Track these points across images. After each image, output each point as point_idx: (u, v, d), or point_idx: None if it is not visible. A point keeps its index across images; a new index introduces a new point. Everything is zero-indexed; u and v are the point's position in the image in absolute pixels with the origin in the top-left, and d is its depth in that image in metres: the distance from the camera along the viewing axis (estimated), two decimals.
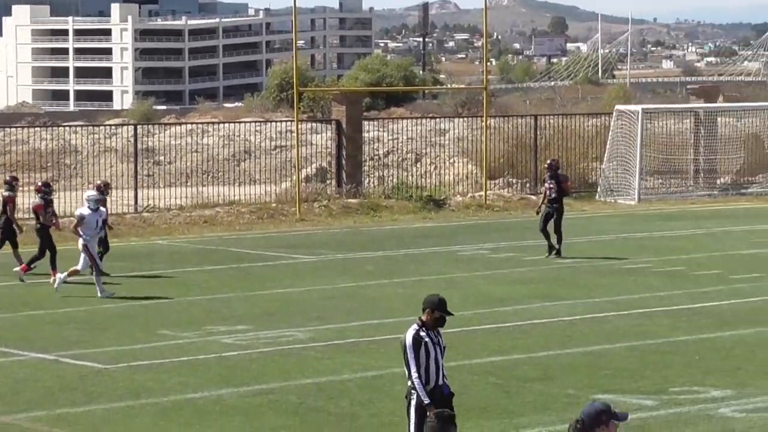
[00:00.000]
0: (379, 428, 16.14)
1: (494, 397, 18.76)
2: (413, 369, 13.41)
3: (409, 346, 13.56)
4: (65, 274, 26.91)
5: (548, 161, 36.29)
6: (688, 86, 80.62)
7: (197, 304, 26.72)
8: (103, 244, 29.53)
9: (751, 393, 18.65)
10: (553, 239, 32.26)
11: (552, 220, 33.33)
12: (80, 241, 28.14)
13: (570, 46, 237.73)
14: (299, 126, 45.08)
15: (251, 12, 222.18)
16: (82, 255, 27.01)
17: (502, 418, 17.46)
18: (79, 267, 27.08)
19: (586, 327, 24.51)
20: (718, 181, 52.70)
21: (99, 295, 27.28)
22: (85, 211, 29.08)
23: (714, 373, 20.05)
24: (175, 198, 42.61)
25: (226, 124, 60.23)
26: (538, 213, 33.33)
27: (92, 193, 30.18)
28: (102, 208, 29.82)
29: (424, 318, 13.75)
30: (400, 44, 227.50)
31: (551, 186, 34.30)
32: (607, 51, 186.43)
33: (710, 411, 17.78)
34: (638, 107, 51.09)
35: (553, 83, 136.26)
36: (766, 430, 16.61)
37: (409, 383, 13.33)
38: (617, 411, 9.45)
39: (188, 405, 17.80)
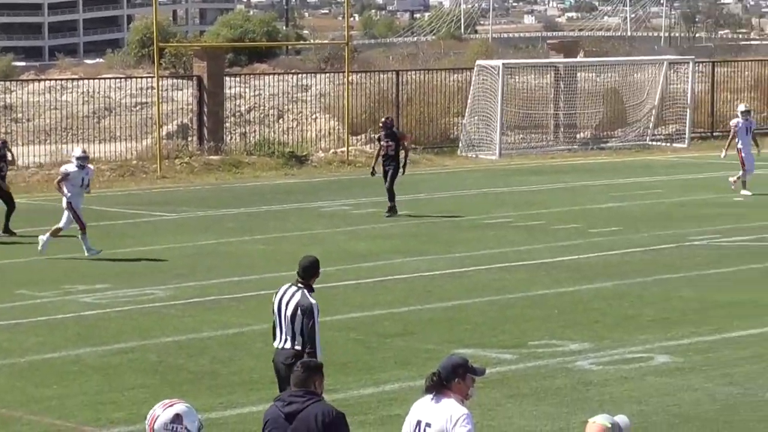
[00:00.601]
0: (239, 386, 16.29)
1: (355, 352, 19.09)
2: (318, 336, 13.51)
3: (317, 313, 13.61)
4: (48, 234, 26.78)
5: (383, 119, 36.27)
6: (548, 41, 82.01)
7: (56, 263, 26.56)
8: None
9: (608, 345, 19.36)
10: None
11: (389, 176, 33.69)
12: (64, 199, 28.03)
13: (432, 1, 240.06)
14: (160, 82, 44.87)
15: None
16: (66, 212, 26.92)
17: (362, 373, 17.72)
18: (61, 224, 26.94)
19: (446, 282, 24.95)
20: (577, 136, 53.72)
21: (86, 254, 27.14)
22: (71, 167, 28.99)
23: (572, 326, 20.66)
24: (35, 156, 42.29)
25: (87, 81, 58.72)
26: (373, 174, 33.70)
27: (78, 150, 30.19)
28: (90, 166, 29.89)
29: (311, 283, 13.81)
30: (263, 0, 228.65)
31: (388, 144, 34.55)
32: (469, 6, 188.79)
33: (568, 364, 18.36)
34: (499, 62, 51.57)
35: (416, 38, 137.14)
36: (622, 382, 17.02)
37: (301, 348, 13.31)
38: (475, 365, 9.66)
39: (46, 365, 17.81)
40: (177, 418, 8.44)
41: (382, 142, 34.92)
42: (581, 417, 9.61)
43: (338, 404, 14.81)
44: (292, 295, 13.79)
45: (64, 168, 29.93)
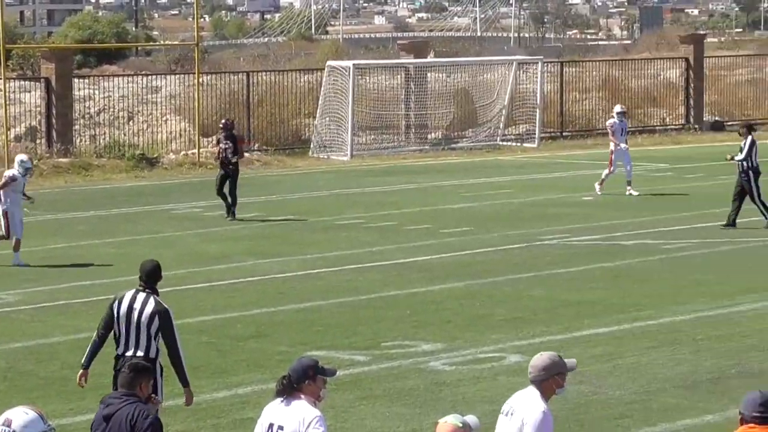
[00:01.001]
0: (89, 391, 15.70)
1: (206, 356, 19.06)
2: (179, 340, 13.49)
3: (173, 317, 13.57)
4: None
5: (222, 120, 36.56)
6: (398, 42, 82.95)
7: None
8: None
9: (461, 346, 19.68)
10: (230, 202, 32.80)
11: (228, 181, 33.64)
12: (1, 207, 27.32)
13: (283, 2, 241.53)
14: (7, 84, 44.38)
15: None
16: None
17: (214, 377, 17.71)
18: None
19: (299, 284, 25.03)
20: (429, 136, 54.26)
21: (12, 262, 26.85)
22: (16, 172, 28.12)
23: (425, 326, 20.89)
24: None
25: None
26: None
27: (24, 156, 29.21)
28: (28, 176, 29.54)
29: (156, 288, 13.68)
30: (112, 0, 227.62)
31: (227, 146, 34.43)
32: (320, 7, 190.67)
33: (421, 364, 18.57)
34: (349, 63, 52.18)
35: (266, 39, 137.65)
36: (474, 381, 17.27)
37: (154, 356, 13.29)
38: (326, 366, 9.80)
39: None
40: (6, 422, 8.20)
41: (221, 144, 34.83)
42: (434, 417, 9.85)
43: (190, 409, 15.57)
44: (143, 302, 13.50)
45: (10, 173, 28.80)
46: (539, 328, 20.78)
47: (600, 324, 21.38)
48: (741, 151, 32.07)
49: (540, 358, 9.99)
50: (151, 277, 13.68)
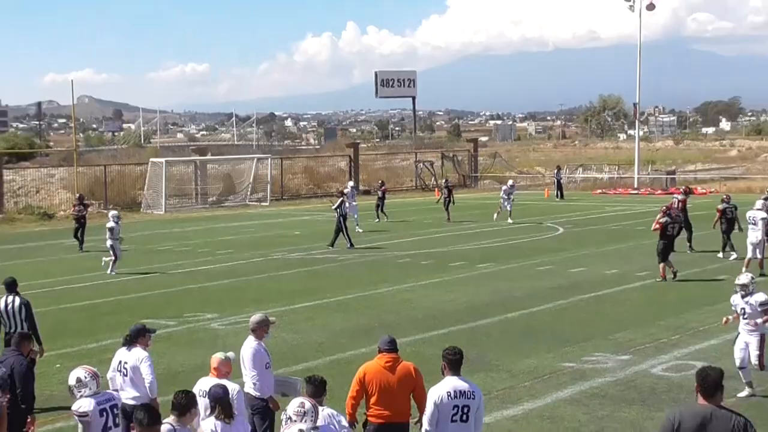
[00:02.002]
0: None
1: (81, 325, 21.48)
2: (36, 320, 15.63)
3: (32, 306, 15.74)
4: None
5: (78, 194, 40.22)
6: (191, 147, 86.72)
7: None
8: None
9: (227, 315, 22.35)
10: None
11: (80, 228, 37.02)
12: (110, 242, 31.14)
13: (125, 125, 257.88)
14: None
15: None
16: None
17: (86, 337, 20.39)
18: None
19: (138, 282, 26.91)
20: (208, 200, 61.79)
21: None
22: (112, 223, 31.38)
23: (207, 304, 23.29)
24: None
25: None
26: None
27: (114, 212, 33.44)
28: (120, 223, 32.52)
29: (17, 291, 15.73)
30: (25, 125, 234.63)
31: (80, 209, 37.64)
32: (146, 128, 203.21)
33: (206, 326, 21.61)
34: (163, 159, 58.79)
35: (116, 147, 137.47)
36: (234, 334, 18.25)
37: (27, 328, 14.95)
38: (149, 327, 12.61)
39: None
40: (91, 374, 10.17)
41: (76, 207, 37.48)
42: (213, 353, 11.41)
43: (68, 354, 18.52)
44: (13, 300, 15.59)
45: (111, 223, 31.56)
46: (270, 307, 22.46)
47: (304, 300, 24.35)
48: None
49: (256, 316, 12.74)
50: (13, 285, 15.76)
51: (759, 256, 28.16)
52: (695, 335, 20.16)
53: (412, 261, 32.81)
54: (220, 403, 9.81)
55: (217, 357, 11.13)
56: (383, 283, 28.21)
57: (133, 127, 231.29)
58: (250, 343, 12.40)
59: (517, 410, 15.01)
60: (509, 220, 44.50)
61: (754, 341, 15.13)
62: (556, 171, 67.19)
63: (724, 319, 16.04)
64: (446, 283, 28.14)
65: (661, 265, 27.45)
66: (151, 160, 61.87)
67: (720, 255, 31.62)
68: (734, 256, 30.70)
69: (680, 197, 34.17)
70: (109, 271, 30.84)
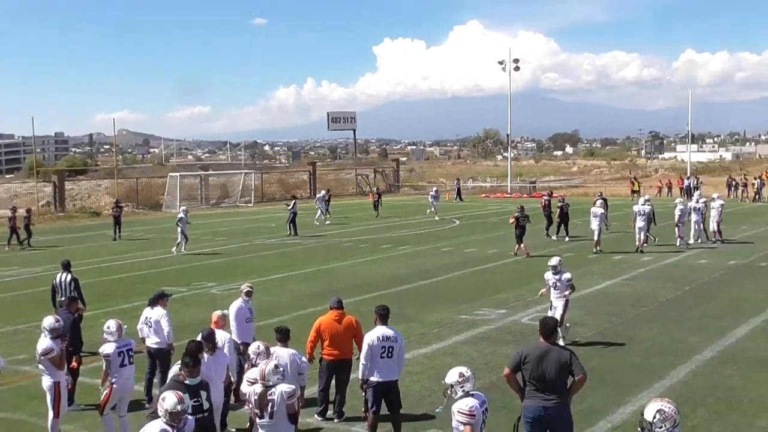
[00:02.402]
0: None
1: (117, 292, 21.15)
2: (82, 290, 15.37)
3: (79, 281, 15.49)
4: None
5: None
6: (199, 165, 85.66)
7: None
8: None
9: (193, 288, 22.14)
10: None
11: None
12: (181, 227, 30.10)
13: (152, 150, 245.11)
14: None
15: None
16: None
17: (124, 299, 20.11)
18: None
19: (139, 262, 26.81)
20: (210, 202, 59.62)
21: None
22: (183, 215, 30.29)
23: (194, 278, 23.83)
24: None
25: None
26: None
27: (184, 206, 33.78)
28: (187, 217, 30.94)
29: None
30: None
31: None
32: (166, 152, 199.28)
33: (207, 291, 21.43)
34: (177, 174, 56.18)
35: (145, 165, 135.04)
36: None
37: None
38: (167, 292, 12.52)
39: None
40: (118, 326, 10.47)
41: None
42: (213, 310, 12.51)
43: (105, 313, 18.27)
44: (65, 276, 15.28)
45: (181, 214, 30.53)
46: (253, 277, 22.24)
47: (277, 273, 24.13)
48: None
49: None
50: (67, 266, 15.46)
51: (596, 238, 28.52)
52: None
53: (354, 245, 32.64)
54: (207, 339, 9.85)
55: (216, 313, 11.21)
56: (334, 260, 28.06)
57: (157, 151, 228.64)
58: (236, 303, 12.43)
59: (428, 349, 15.08)
60: (436, 218, 43.42)
61: (560, 305, 15.13)
62: (456, 181, 68.30)
63: (540, 292, 15.95)
64: (378, 260, 28.07)
65: (516, 246, 28.06)
66: (169, 174, 61.38)
67: (554, 237, 32.46)
68: (554, 238, 32.13)
69: (546, 198, 35.00)
70: (174, 251, 30.37)
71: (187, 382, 8.06)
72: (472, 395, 7.70)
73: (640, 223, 28.36)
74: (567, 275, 15.27)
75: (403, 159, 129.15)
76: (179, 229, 30.71)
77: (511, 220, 28.50)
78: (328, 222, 41.98)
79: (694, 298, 19.53)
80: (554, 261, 15.47)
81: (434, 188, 50.13)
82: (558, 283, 15.24)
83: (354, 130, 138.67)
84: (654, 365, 13.63)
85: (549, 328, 8.68)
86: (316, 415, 11.38)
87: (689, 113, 70.40)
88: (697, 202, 31.43)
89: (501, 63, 71.10)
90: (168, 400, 7.12)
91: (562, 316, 14.87)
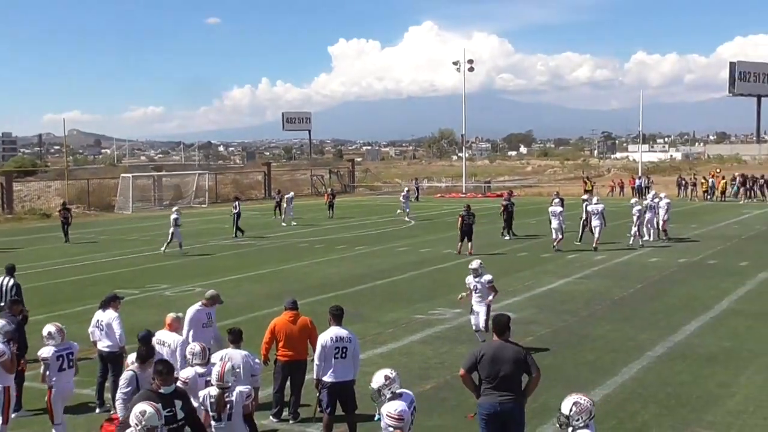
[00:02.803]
0: None
1: (68, 294, 20.94)
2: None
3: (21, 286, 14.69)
4: None
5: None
6: (152, 166, 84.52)
7: None
8: None
9: (149, 288, 22.12)
10: None
11: None
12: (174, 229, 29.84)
13: (103, 151, 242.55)
14: None
15: None
16: None
17: (74, 303, 19.90)
18: None
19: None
20: (163, 204, 59.51)
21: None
22: (176, 216, 30.46)
23: (164, 278, 23.79)
24: None
25: None
26: None
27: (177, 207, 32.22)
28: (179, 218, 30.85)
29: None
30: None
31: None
32: (118, 152, 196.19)
33: (161, 293, 21.30)
34: (129, 174, 55.51)
35: (96, 166, 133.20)
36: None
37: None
38: (119, 294, 12.37)
39: None
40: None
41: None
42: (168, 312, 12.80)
43: (55, 317, 18.06)
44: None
45: (175, 216, 30.33)
46: (208, 279, 22.70)
47: (232, 274, 24.09)
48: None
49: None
50: (11, 270, 14.86)
51: (561, 236, 28.99)
52: (505, 294, 20.35)
53: (310, 245, 32.61)
54: (142, 341, 10.00)
55: (170, 315, 11.12)
56: (289, 261, 28.00)
57: (109, 151, 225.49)
58: (193, 307, 12.09)
59: (384, 349, 15.11)
60: (406, 218, 42.87)
61: (482, 310, 14.73)
62: (414, 181, 68.74)
63: (459, 296, 15.57)
64: (333, 260, 28.07)
65: (459, 244, 28.66)
66: (122, 175, 60.70)
67: (507, 237, 32.64)
68: (507, 237, 32.38)
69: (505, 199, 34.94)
70: (163, 250, 30.26)
71: (161, 390, 7.76)
72: (400, 395, 7.64)
73: (595, 222, 28.81)
74: (488, 277, 14.90)
75: (359, 159, 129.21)
76: (171, 230, 30.35)
77: (458, 219, 29.02)
78: (285, 224, 41.64)
79: (646, 296, 19.82)
80: (475, 264, 15.06)
81: (405, 189, 49.40)
82: (479, 286, 14.80)
83: (309, 131, 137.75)
84: (606, 362, 13.80)
85: (502, 325, 8.69)
86: (271, 417, 11.35)
87: (640, 114, 71.28)
88: (653, 200, 31.80)
89: (456, 64, 71.52)
90: (146, 414, 6.82)
91: (486, 321, 14.39)
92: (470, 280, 14.96)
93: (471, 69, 71.10)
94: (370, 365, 13.87)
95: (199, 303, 12.09)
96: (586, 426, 6.70)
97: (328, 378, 10.21)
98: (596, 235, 28.71)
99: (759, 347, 14.68)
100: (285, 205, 42.96)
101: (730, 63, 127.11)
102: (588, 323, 16.90)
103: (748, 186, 55.02)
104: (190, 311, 12.04)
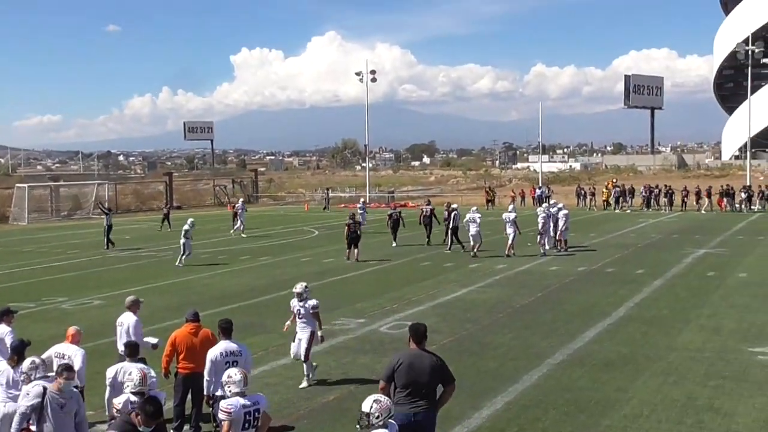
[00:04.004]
0: None
1: None
2: None
3: None
4: None
5: None
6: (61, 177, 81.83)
7: None
8: None
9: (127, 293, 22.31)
10: None
11: None
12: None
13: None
14: None
15: None
16: None
17: None
18: None
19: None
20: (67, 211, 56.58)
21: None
22: (188, 227, 28.97)
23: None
24: None
25: None
26: None
27: (190, 219, 30.18)
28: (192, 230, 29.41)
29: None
30: None
31: None
32: (13, 162, 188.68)
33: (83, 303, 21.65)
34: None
35: None
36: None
37: None
38: (11, 308, 12.00)
39: None
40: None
41: None
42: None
43: None
44: None
45: (189, 224, 29.32)
46: (106, 292, 22.59)
47: (132, 286, 23.13)
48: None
49: (129, 298, 12.26)
50: None
51: (479, 242, 29.96)
52: (409, 303, 20.58)
53: (211, 256, 32.18)
54: (14, 350, 9.74)
55: (73, 328, 10.86)
56: (190, 272, 27.57)
57: (3, 161, 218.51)
58: (130, 316, 12.02)
59: (287, 360, 14.86)
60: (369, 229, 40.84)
61: (305, 337, 13.57)
62: (326, 191, 68.93)
63: (285, 325, 14.39)
64: (236, 271, 27.80)
65: (347, 251, 29.85)
66: (17, 185, 58.98)
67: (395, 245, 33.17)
68: (395, 245, 32.73)
69: (428, 207, 35.16)
70: (178, 264, 28.86)
71: (140, 429, 7.38)
72: (386, 426, 7.12)
73: (509, 230, 29.54)
74: (312, 302, 13.58)
75: (262, 169, 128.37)
76: (182, 242, 29.25)
77: (345, 228, 30.24)
78: (245, 235, 40.30)
79: (546, 304, 20.17)
80: (299, 287, 13.64)
81: (361, 200, 47.53)
82: (302, 311, 13.53)
83: (212, 140, 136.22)
84: (508, 370, 13.99)
85: (420, 333, 8.72)
86: (171, 431, 11.13)
87: (540, 125, 72.89)
88: (557, 211, 31.96)
89: (358, 74, 71.91)
90: None
91: (307, 350, 13.37)
92: (294, 303, 13.71)
93: (374, 80, 71.63)
94: (272, 376, 13.87)
95: (132, 311, 12.10)
96: (385, 426, 6.91)
97: (219, 392, 9.97)
98: (509, 242, 29.46)
99: (654, 352, 15.08)
100: (237, 214, 41.23)
101: (625, 76, 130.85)
102: (490, 331, 17.12)
103: (652, 196, 56.27)
104: (131, 321, 11.96)
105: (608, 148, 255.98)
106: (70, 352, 10.45)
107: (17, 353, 9.78)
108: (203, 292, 23.34)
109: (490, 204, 59.08)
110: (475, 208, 32.14)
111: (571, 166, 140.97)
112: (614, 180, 64.57)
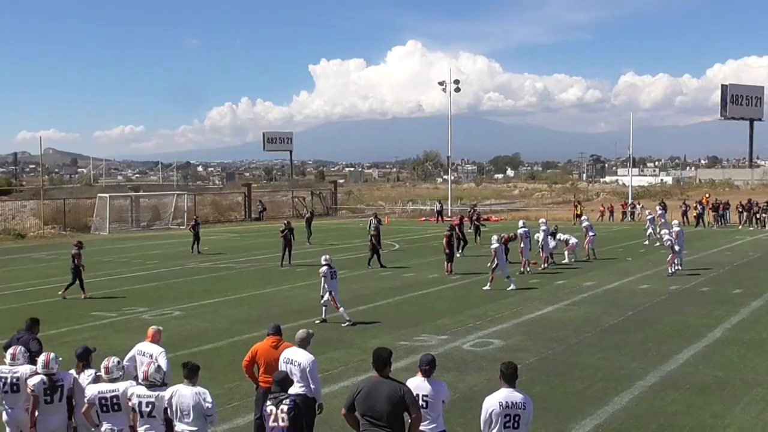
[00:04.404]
0: None
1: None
2: None
3: None
4: None
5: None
6: (129, 186, 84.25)
7: None
8: None
9: (161, 305, 23.02)
10: None
11: None
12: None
13: (80, 170, 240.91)
14: None
15: None
16: None
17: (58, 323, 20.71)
18: None
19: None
20: (143, 224, 59.18)
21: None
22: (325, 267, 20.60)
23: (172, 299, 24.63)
24: None
25: None
26: None
27: (327, 256, 21.11)
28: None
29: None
30: None
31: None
32: (95, 172, 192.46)
33: (139, 316, 22.05)
34: (106, 195, 55.37)
35: (73, 186, 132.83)
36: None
37: None
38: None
39: None
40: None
41: None
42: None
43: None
44: None
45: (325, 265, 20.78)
46: (185, 302, 23.26)
47: (211, 298, 24.24)
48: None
49: (301, 332, 10.69)
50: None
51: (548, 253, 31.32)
52: (492, 321, 20.47)
53: (290, 269, 32.46)
54: (79, 357, 9.98)
55: (152, 328, 11.23)
56: (269, 285, 27.88)
57: (85, 171, 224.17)
58: (305, 354, 10.69)
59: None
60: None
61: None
62: (438, 203, 68.98)
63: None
64: (315, 285, 27.73)
65: (446, 263, 30.10)
66: (98, 195, 60.48)
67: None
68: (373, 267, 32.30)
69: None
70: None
71: None
72: None
73: (551, 242, 31.61)
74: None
75: (341, 181, 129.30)
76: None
77: (444, 240, 30.38)
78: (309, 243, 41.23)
79: (636, 324, 19.84)
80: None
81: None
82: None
83: (290, 151, 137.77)
84: (596, 391, 13.80)
85: (381, 360, 8.41)
86: None
87: (630, 137, 71.76)
88: (669, 232, 30.65)
89: (441, 84, 71.89)
90: None
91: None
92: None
93: (457, 89, 71.53)
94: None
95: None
96: None
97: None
98: (543, 254, 30.97)
99: (752, 377, 14.71)
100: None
101: (722, 85, 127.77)
102: (577, 351, 16.90)
103: (752, 211, 54.57)
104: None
105: (702, 162, 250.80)
106: (154, 351, 10.65)
107: (83, 360, 10.07)
108: (282, 304, 23.57)
109: (578, 219, 58.31)
110: (543, 220, 33.04)
111: (662, 179, 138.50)
112: (707, 195, 63.06)
